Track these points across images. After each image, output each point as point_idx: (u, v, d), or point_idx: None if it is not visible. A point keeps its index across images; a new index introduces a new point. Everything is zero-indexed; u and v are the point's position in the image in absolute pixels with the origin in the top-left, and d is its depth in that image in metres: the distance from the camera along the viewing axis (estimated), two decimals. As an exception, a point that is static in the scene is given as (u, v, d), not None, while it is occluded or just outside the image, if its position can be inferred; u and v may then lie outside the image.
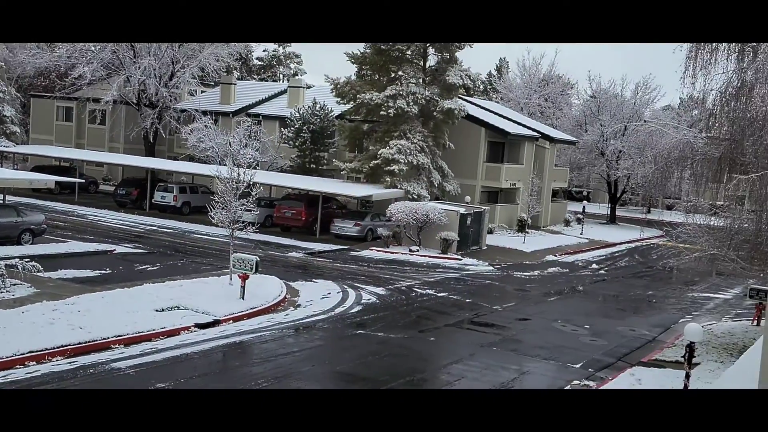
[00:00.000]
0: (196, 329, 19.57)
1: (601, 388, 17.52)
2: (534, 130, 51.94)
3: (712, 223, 21.38)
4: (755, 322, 24.53)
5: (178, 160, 50.81)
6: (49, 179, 37.59)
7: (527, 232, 44.60)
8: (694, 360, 15.61)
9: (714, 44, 20.80)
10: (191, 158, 47.26)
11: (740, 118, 19.32)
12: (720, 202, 23.45)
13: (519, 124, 51.72)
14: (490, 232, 42.43)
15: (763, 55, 17.45)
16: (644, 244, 48.05)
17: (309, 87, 58.05)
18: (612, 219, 60.11)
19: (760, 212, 18.74)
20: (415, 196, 39.36)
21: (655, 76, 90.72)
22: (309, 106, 45.86)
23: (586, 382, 18.04)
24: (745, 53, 20.59)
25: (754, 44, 18.61)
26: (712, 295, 31.69)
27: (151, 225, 38.94)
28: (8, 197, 33.87)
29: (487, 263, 35.13)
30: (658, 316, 26.66)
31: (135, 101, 51.84)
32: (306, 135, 44.63)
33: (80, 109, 57.23)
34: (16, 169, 49.10)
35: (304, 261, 32.33)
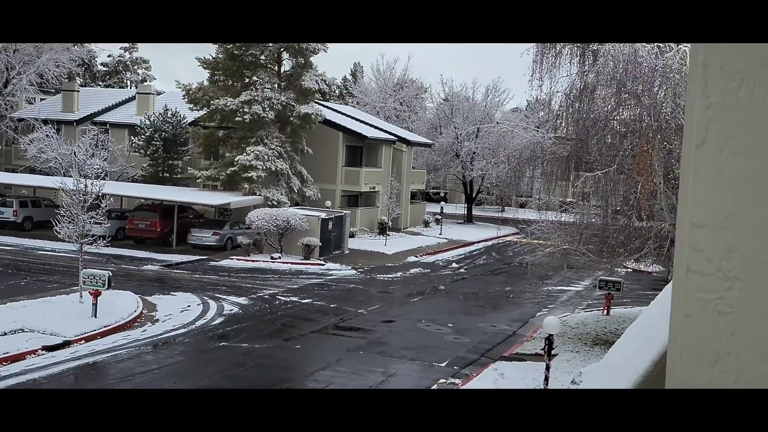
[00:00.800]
0: (43, 352, 18.29)
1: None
2: (391, 133, 52.62)
3: (563, 219, 22.30)
4: (605, 312, 25.82)
5: (17, 172, 47.57)
6: None
7: (388, 235, 45.05)
8: (552, 351, 16.15)
9: (558, 48, 21.74)
10: (32, 170, 44.43)
11: (584, 119, 20.23)
12: (570, 198, 24.53)
13: (376, 128, 52.24)
14: (352, 235, 42.54)
15: (602, 58, 18.37)
16: (500, 241, 49.71)
17: (159, 93, 56.12)
18: (469, 218, 61.88)
19: (606, 207, 19.72)
20: (275, 203, 38.85)
21: (503, 79, 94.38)
22: (160, 113, 44.35)
23: (453, 380, 18.30)
24: (586, 56, 21.65)
25: (595, 48, 19.56)
26: (565, 288, 33.15)
27: (-10, 243, 36.27)
28: None
29: (350, 267, 35.15)
30: (517, 311, 27.55)
31: (-34, 110, 48.18)
32: (158, 143, 43.10)
33: None
34: None
35: (160, 274, 31.09)
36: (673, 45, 17.75)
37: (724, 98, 1.43)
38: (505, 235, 50.62)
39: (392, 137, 51.64)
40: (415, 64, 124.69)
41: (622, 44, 17.97)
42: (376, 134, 49.53)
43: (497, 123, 45.31)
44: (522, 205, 54.91)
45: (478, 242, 48.92)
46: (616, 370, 2.37)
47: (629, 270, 31.12)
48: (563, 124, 22.45)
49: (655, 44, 17.84)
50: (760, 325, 1.41)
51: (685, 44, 17.30)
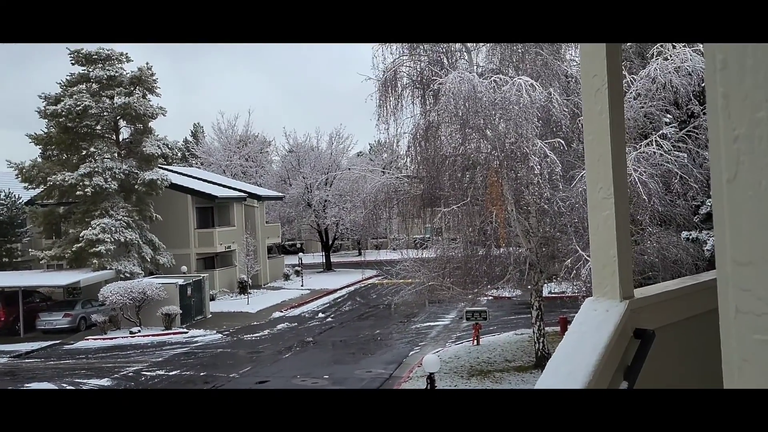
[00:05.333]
0: None
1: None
2: (240, 190, 52.09)
3: (425, 256, 22.80)
4: (475, 342, 26.44)
5: None
6: None
7: (250, 293, 44.28)
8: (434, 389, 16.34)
9: (399, 90, 22.49)
10: None
11: (433, 156, 20.91)
12: (427, 235, 25.16)
13: (225, 186, 51.57)
14: (213, 298, 41.49)
15: (444, 97, 19.14)
16: (363, 285, 50.02)
17: (-12, 175, 52.76)
18: (328, 266, 61.92)
19: (465, 240, 20.35)
20: (128, 275, 37.32)
21: (346, 126, 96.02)
22: (-8, 196, 41.72)
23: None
24: (426, 97, 22.48)
25: (436, 88, 20.35)
26: (432, 323, 33.67)
27: None
28: None
29: (215, 331, 34.18)
30: (389, 353, 27.69)
31: None
32: (-8, 227, 40.45)
33: None
34: None
35: (11, 365, 28.93)
36: (508, 79, 18.79)
37: (753, 129, 1.36)
38: (368, 279, 51.06)
39: (242, 194, 51.12)
40: (256, 119, 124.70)
41: (459, 82, 18.80)
42: (226, 193, 48.87)
43: (349, 169, 45.91)
44: (378, 247, 55.75)
45: (341, 288, 49.00)
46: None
47: (490, 298, 32.13)
48: (412, 164, 23.08)
49: (492, 79, 18.81)
50: None
51: (521, 78, 18.37)
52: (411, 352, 27.23)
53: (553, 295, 27.70)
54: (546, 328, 22.97)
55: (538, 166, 17.90)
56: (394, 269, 24.36)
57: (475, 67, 22.64)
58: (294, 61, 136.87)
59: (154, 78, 41.16)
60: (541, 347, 22.23)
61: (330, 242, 63.73)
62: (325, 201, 59.75)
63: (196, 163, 73.94)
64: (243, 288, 45.00)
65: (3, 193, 41.66)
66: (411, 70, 23.18)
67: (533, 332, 22.57)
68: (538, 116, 18.58)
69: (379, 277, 48.83)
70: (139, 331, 33.90)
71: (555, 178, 18.25)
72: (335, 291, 48.07)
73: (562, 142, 18.66)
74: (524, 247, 20.67)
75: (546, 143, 18.48)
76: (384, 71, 22.68)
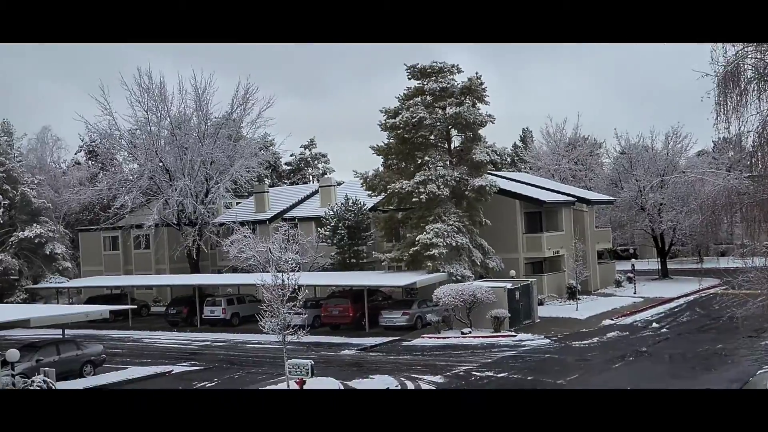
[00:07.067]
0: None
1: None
2: (569, 194, 51.54)
3: (773, 265, 20.54)
4: (837, 363, 23.21)
5: (222, 273, 51.20)
6: (103, 309, 36.36)
7: (579, 299, 43.61)
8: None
9: (742, 86, 20.54)
10: (234, 269, 47.56)
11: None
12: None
13: (553, 191, 51.43)
14: (541, 303, 41.58)
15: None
16: (703, 295, 46.58)
17: (339, 184, 58.67)
18: (664, 273, 58.63)
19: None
20: (459, 278, 38.89)
21: (683, 124, 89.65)
22: (342, 203, 46.22)
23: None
24: (775, 90, 20.24)
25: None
26: (786, 340, 30.28)
27: (204, 340, 39.04)
28: (67, 331, 34.57)
29: (542, 336, 34.24)
30: (734, 370, 25.44)
31: (175, 222, 52.73)
32: (342, 231, 44.77)
33: (125, 237, 58.78)
34: (71, 303, 50.29)
35: (357, 357, 31.81)
36: None
37: None
38: (709, 288, 47.41)
39: (571, 198, 50.55)
40: (585, 122, 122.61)
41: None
42: (554, 197, 48.71)
43: (683, 172, 43.04)
44: (722, 254, 51.36)
45: (678, 298, 46.10)
46: None
47: None
48: (760, 164, 20.91)
49: None
50: None
51: None
52: (759, 371, 24.72)
53: None
54: None
55: None
56: (736, 280, 22.24)
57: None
58: (622, 61, 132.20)
59: (483, 87, 42.35)
60: None
61: (666, 248, 60.27)
62: (660, 204, 56.69)
63: (525, 168, 74.74)
64: (572, 293, 44.47)
65: (351, 201, 45.91)
66: (757, 62, 21.05)
67: None
68: None
69: (723, 287, 45.03)
70: (470, 332, 35.15)
71: None
72: (671, 300, 45.37)
73: None
74: None
75: None
76: (724, 65, 20.87)
